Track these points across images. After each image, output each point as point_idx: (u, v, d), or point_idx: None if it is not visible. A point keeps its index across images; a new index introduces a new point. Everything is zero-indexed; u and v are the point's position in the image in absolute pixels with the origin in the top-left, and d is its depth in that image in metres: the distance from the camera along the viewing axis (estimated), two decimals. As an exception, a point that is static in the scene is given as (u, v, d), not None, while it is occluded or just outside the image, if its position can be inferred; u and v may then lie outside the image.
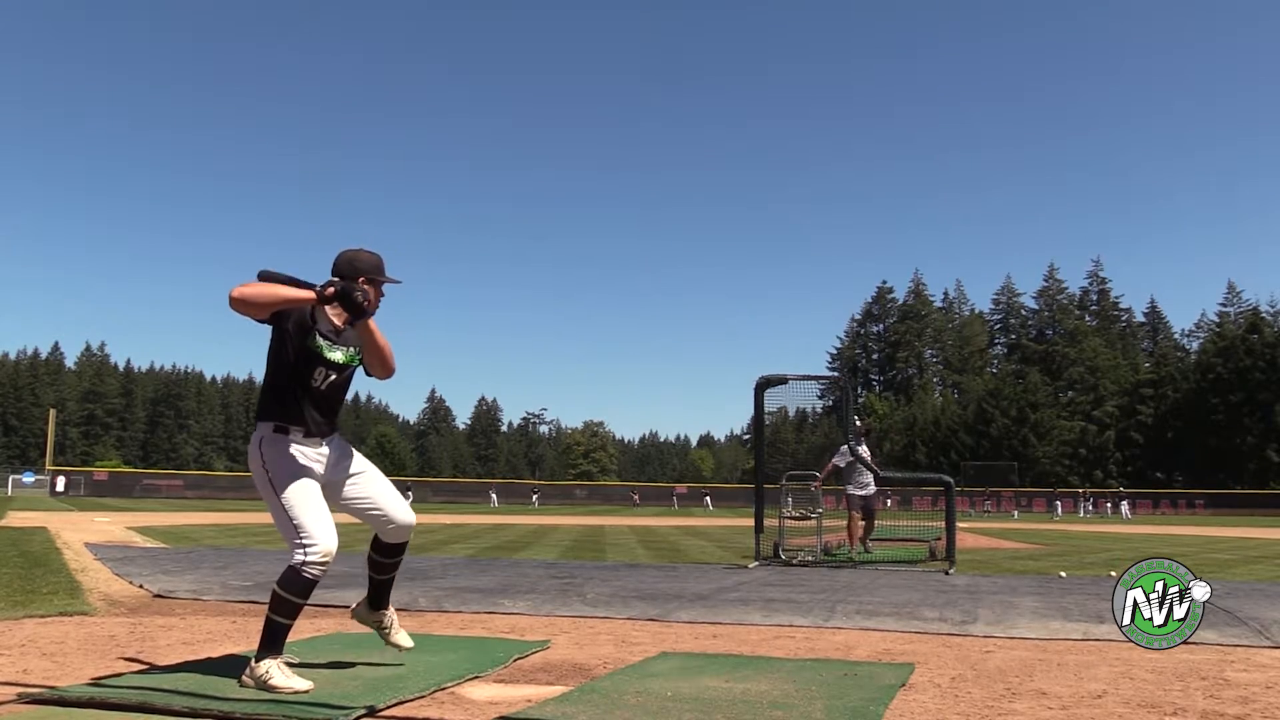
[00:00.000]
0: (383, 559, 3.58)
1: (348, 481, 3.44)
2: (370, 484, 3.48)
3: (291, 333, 3.30)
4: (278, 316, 3.27)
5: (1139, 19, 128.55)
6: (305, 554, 3.15)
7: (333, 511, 3.37)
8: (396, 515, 3.50)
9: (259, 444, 3.29)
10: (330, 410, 3.42)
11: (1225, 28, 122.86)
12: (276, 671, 3.08)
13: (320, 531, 3.18)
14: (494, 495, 61.48)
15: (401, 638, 3.66)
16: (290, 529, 3.19)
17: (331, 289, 3.19)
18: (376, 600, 3.65)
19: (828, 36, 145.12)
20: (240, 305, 3.11)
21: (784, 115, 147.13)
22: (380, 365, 3.44)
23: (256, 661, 3.11)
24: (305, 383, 3.33)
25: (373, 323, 3.33)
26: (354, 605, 3.74)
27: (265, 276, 3.20)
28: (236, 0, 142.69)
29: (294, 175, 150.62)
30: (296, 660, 3.42)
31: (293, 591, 3.14)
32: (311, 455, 3.33)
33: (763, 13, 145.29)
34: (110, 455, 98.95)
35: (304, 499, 3.23)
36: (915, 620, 5.21)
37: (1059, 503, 48.46)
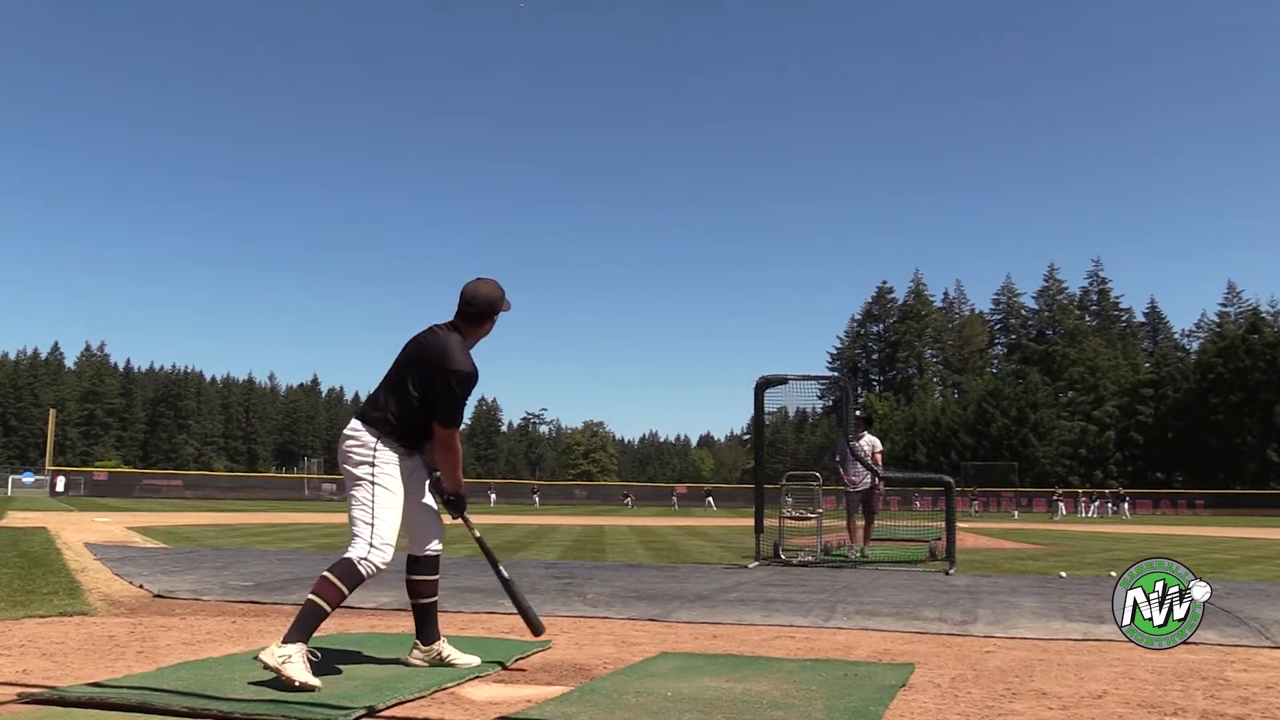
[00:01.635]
0: (413, 575, 3.62)
1: (410, 497, 3.58)
2: (425, 506, 3.66)
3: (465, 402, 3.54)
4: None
5: (1139, 18, 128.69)
6: (369, 553, 3.31)
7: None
8: (431, 530, 3.63)
9: (372, 444, 3.43)
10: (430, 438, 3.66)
11: (1225, 27, 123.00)
12: (298, 659, 3.09)
13: (388, 540, 3.37)
14: (492, 495, 61.44)
15: (466, 658, 3.65)
16: (366, 525, 3.35)
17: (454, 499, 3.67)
18: (425, 633, 3.64)
19: (827, 35, 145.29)
20: (449, 438, 3.52)
21: (784, 115, 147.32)
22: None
23: (285, 642, 3.12)
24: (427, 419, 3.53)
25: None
26: (409, 657, 3.68)
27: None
28: (237, 0, 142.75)
29: (294, 175, 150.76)
30: (319, 657, 3.41)
31: (346, 582, 3.26)
32: (408, 470, 3.52)
33: (762, 11, 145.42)
34: (110, 455, 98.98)
35: (392, 508, 3.42)
36: (915, 620, 5.20)
37: (1060, 503, 48.47)
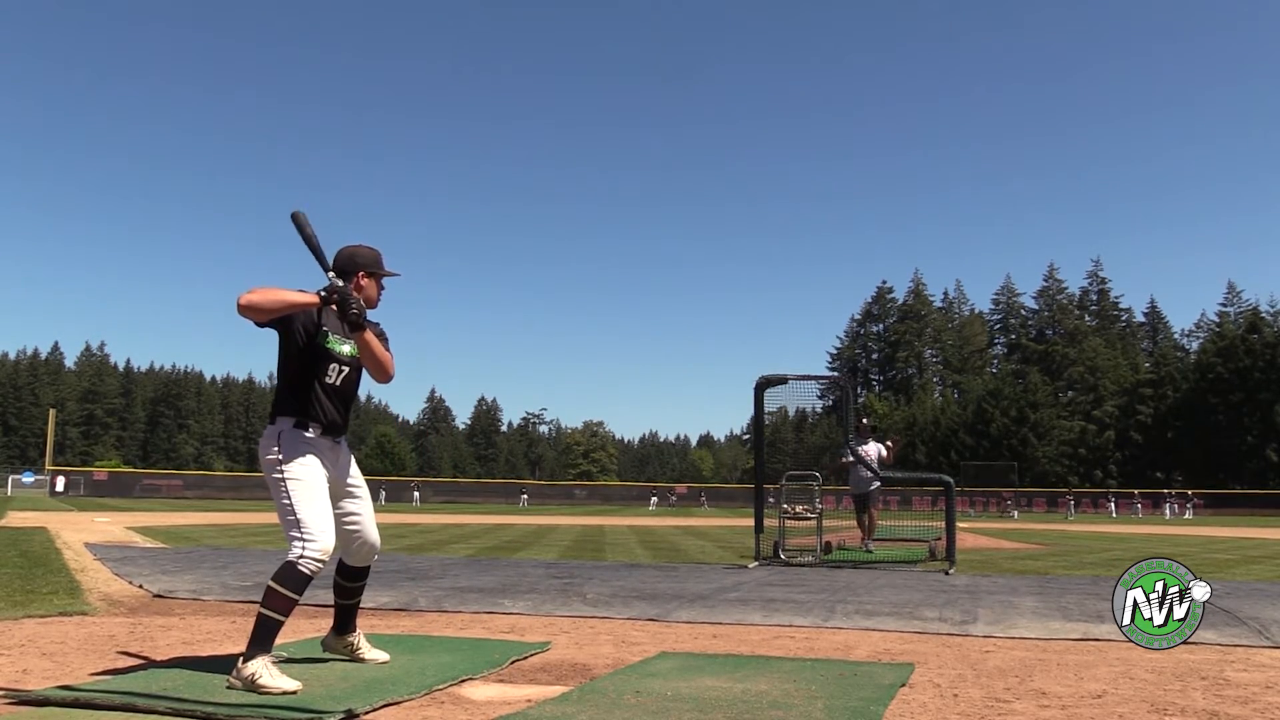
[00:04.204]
0: (347, 583, 3.66)
1: (346, 490, 3.54)
2: (362, 501, 3.60)
3: (302, 331, 3.39)
4: (285, 318, 3.34)
5: (1138, 16, 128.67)
6: (304, 549, 3.21)
7: None
8: (370, 538, 3.60)
9: (277, 437, 3.34)
10: (345, 406, 3.52)
11: (1225, 25, 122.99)
12: (264, 671, 3.08)
13: (321, 529, 3.26)
14: (524, 496, 61.94)
15: (376, 654, 3.69)
16: (293, 523, 3.25)
17: (336, 295, 3.30)
18: (343, 626, 3.69)
19: (826, 34, 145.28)
20: (248, 311, 3.20)
21: (783, 114, 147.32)
22: (377, 370, 3.53)
23: (245, 661, 3.11)
24: (320, 380, 3.42)
25: (369, 333, 3.41)
26: (323, 638, 3.77)
27: (297, 219, 3.34)
28: (237, 0, 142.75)
29: (294, 174, 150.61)
30: (284, 656, 3.43)
31: (288, 586, 3.19)
32: (327, 454, 3.41)
33: (761, 10, 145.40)
34: (110, 455, 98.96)
35: (310, 495, 3.29)
36: (915, 620, 5.20)
37: (1072, 501, 48.96)
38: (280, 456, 3.31)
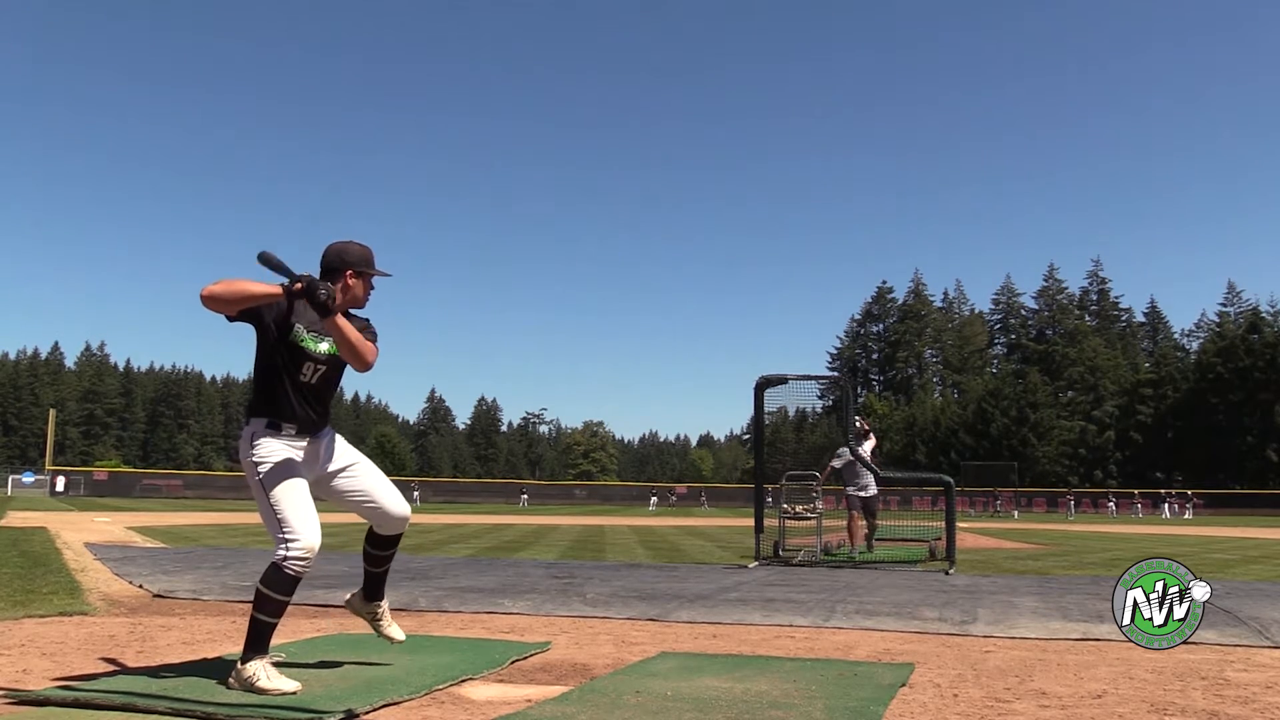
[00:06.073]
0: (377, 551, 3.60)
1: (341, 475, 3.43)
2: (364, 476, 3.47)
3: (273, 328, 3.28)
4: (254, 314, 3.24)
5: (1138, 15, 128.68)
6: (288, 549, 3.15)
7: (327, 506, 3.37)
8: (391, 508, 3.48)
9: (250, 439, 3.28)
10: (322, 404, 3.42)
11: (1226, 25, 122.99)
12: (263, 672, 3.07)
13: (304, 528, 3.18)
14: (524, 496, 61.85)
15: (394, 630, 3.67)
16: (275, 524, 3.19)
17: (299, 285, 3.13)
18: (371, 592, 3.66)
19: (826, 34, 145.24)
20: (211, 303, 3.08)
21: (783, 114, 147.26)
22: (353, 358, 3.35)
23: (243, 663, 3.10)
24: (294, 378, 3.32)
25: (341, 319, 3.22)
26: (348, 596, 3.75)
27: (264, 258, 3.16)
28: (237, 1, 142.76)
29: (294, 174, 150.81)
30: (283, 658, 3.42)
31: (276, 589, 3.14)
32: (303, 453, 3.34)
33: (761, 10, 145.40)
34: (110, 455, 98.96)
35: (290, 496, 3.22)
36: (915, 620, 5.20)
37: (1072, 501, 49.03)
38: (256, 459, 3.25)
